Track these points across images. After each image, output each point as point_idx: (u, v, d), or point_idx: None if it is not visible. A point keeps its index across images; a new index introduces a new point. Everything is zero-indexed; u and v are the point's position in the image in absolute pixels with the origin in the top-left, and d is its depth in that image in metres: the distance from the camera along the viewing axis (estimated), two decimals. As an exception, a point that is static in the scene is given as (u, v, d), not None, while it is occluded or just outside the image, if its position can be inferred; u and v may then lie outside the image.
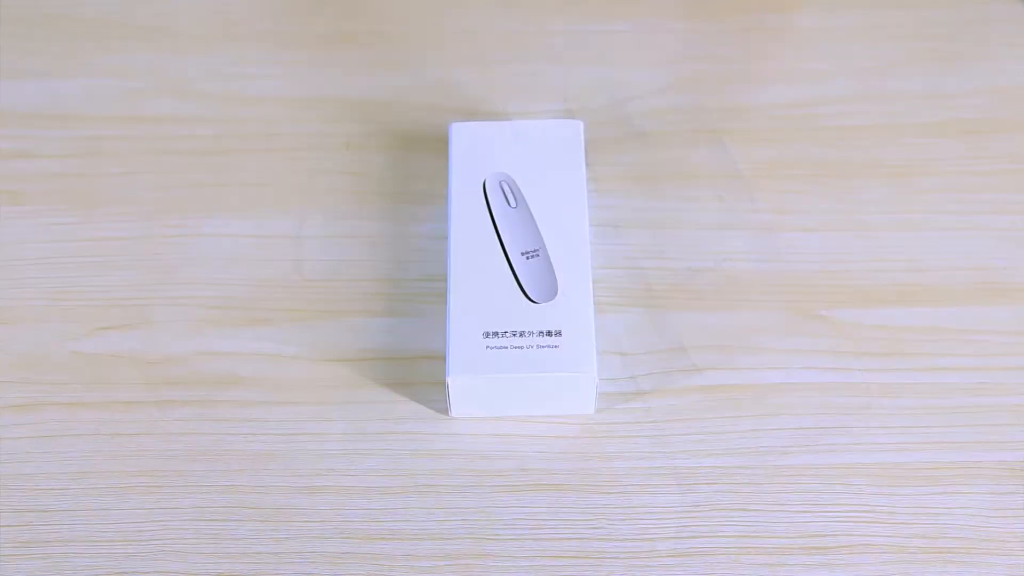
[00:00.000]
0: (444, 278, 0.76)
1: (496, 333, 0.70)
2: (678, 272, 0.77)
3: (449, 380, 0.70)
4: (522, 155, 0.77)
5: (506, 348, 0.70)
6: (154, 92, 0.85)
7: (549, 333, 0.70)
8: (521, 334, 0.70)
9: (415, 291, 0.77)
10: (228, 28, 0.88)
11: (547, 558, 0.69)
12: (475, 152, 0.77)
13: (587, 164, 0.79)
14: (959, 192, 0.80)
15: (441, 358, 0.74)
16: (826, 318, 0.76)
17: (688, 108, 0.84)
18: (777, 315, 0.76)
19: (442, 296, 0.76)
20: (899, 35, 0.87)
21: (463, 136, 0.78)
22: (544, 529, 0.69)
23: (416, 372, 0.74)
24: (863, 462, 0.71)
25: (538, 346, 0.70)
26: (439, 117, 0.84)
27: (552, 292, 0.72)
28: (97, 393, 0.74)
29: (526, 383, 0.70)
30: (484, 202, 0.75)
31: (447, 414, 0.72)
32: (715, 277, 0.77)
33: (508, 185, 0.75)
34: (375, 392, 0.74)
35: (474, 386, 0.70)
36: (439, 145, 0.82)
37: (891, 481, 0.70)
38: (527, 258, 0.73)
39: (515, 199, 0.75)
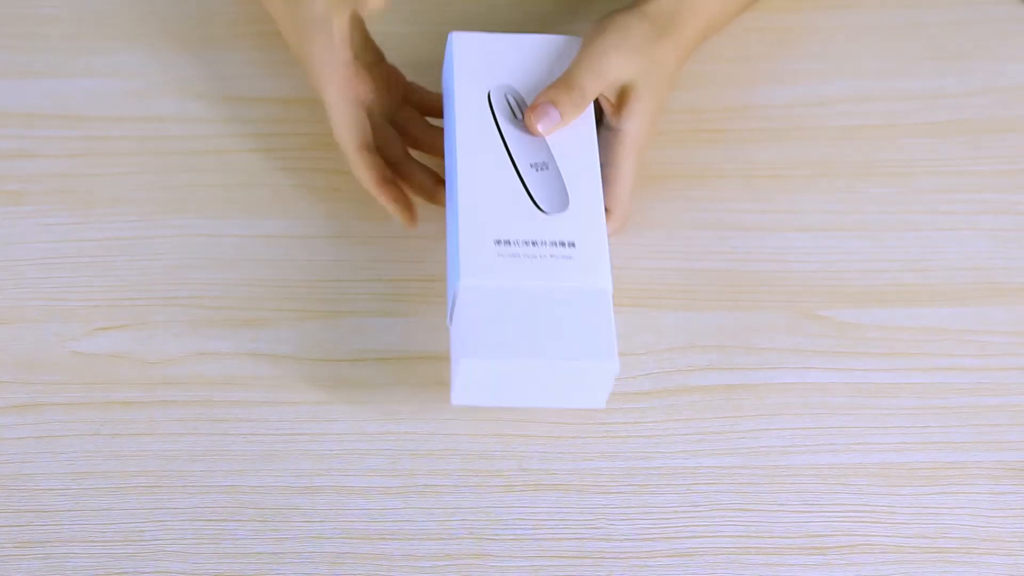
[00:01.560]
0: (444, 279, 0.76)
1: (508, 242, 0.68)
2: (678, 272, 0.77)
3: (462, 283, 0.67)
4: (525, 69, 0.74)
5: (519, 256, 0.68)
6: (154, 92, 0.85)
7: (563, 244, 0.69)
8: (534, 243, 0.68)
9: (415, 291, 0.77)
10: (228, 28, 0.88)
11: (547, 558, 0.69)
12: (478, 63, 0.74)
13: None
14: (959, 192, 0.80)
15: (441, 358, 0.74)
16: (826, 318, 0.76)
17: (688, 108, 0.84)
18: (777, 315, 0.76)
19: (442, 296, 0.76)
20: (899, 35, 0.87)
21: (465, 47, 0.75)
22: (544, 529, 0.69)
23: (416, 372, 0.74)
24: (863, 462, 0.71)
25: (551, 256, 0.68)
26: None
27: (563, 203, 0.70)
28: (97, 393, 0.74)
29: (540, 293, 0.68)
30: (490, 114, 0.73)
31: (447, 324, 0.71)
32: (715, 277, 0.77)
33: (513, 97, 0.73)
34: (375, 392, 0.74)
35: (486, 295, 0.67)
36: (439, 145, 0.81)
37: (891, 481, 0.70)
38: (536, 170, 0.71)
39: (521, 112, 0.73)
